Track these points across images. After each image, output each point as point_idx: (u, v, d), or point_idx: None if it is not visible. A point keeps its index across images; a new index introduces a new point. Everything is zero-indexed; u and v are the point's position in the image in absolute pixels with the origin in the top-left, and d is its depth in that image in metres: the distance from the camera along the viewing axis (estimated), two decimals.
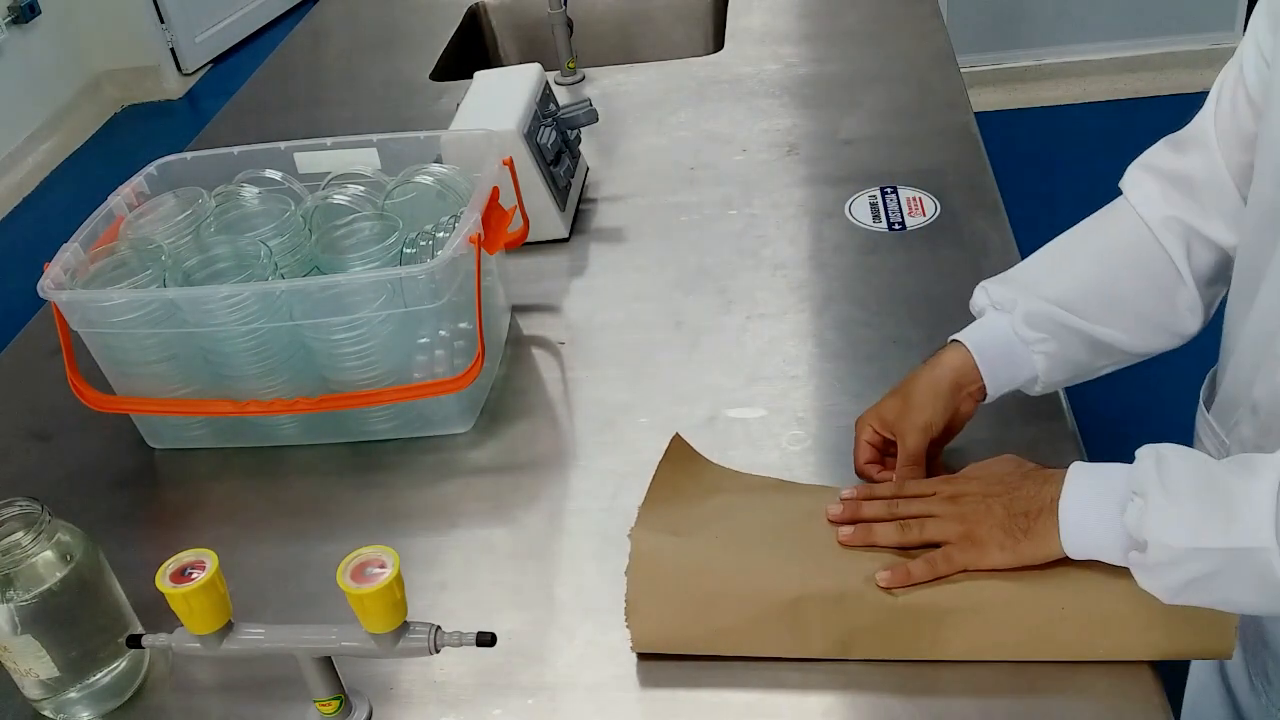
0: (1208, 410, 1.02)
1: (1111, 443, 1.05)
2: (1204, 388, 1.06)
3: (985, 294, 1.01)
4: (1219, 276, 0.98)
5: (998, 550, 0.84)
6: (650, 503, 0.98)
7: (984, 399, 0.99)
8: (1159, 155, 1.01)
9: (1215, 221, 0.95)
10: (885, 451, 1.02)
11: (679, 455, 1.04)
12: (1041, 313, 0.97)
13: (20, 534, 0.89)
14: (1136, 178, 1.01)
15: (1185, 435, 1.03)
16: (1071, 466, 0.84)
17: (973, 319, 1.02)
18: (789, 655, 0.88)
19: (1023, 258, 1.28)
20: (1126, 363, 1.01)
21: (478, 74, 1.56)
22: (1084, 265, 1.01)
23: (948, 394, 0.98)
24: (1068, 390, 1.09)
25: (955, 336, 1.00)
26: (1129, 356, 1.00)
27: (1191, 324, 0.99)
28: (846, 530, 0.90)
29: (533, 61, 1.56)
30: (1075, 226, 1.04)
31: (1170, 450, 0.80)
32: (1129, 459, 0.82)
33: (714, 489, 1.00)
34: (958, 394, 0.98)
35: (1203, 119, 0.96)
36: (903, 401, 0.99)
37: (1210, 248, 0.96)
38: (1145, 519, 0.76)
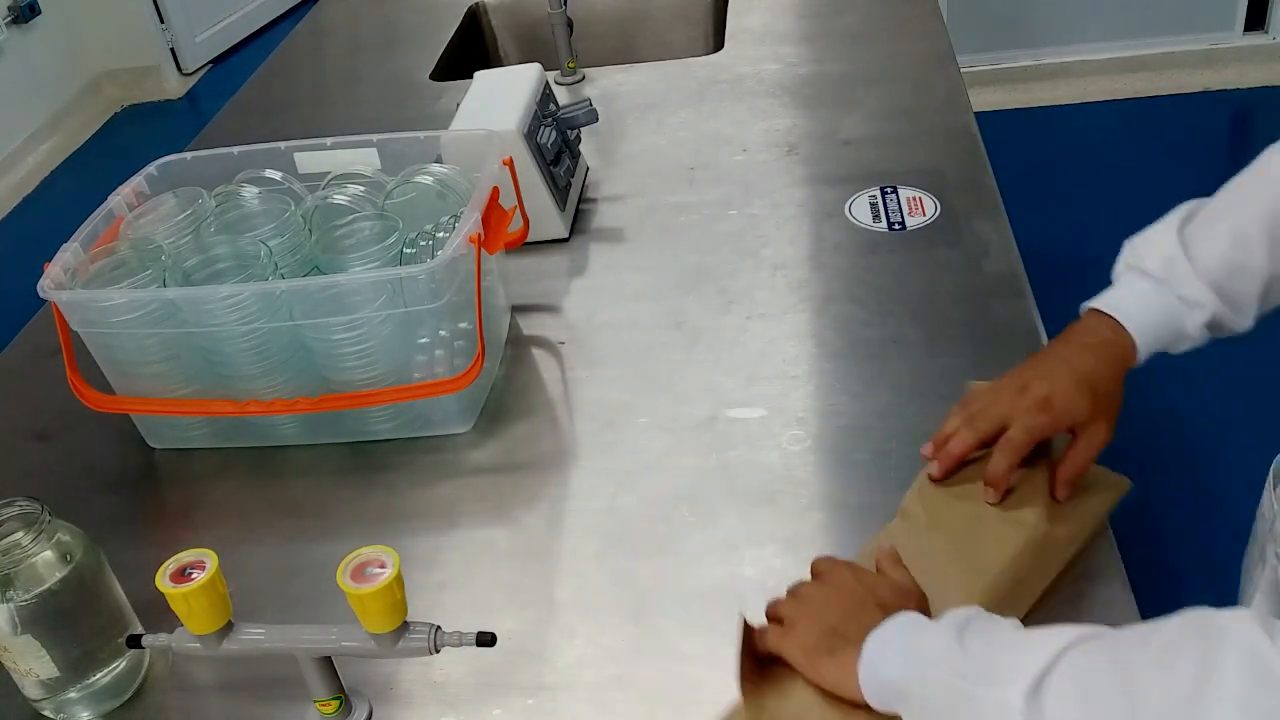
0: None
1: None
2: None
3: (1135, 254, 0.98)
4: None
5: (795, 646, 0.83)
6: None
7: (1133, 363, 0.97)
8: None
9: None
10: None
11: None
12: (1206, 285, 0.94)
13: (20, 534, 0.89)
14: None
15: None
16: (902, 614, 0.81)
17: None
18: None
19: (1023, 258, 1.29)
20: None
21: (478, 74, 1.56)
22: (1239, 220, 0.96)
23: (1119, 382, 0.95)
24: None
25: (1109, 311, 0.96)
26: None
27: None
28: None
29: (533, 61, 1.56)
30: (1246, 175, 1.00)
31: (959, 629, 0.76)
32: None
33: None
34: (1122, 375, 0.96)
35: None
36: (1091, 404, 0.93)
37: None
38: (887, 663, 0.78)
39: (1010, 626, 0.76)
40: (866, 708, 0.79)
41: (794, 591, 0.88)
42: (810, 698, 0.82)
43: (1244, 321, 0.97)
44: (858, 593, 0.85)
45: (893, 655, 0.78)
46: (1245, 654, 0.60)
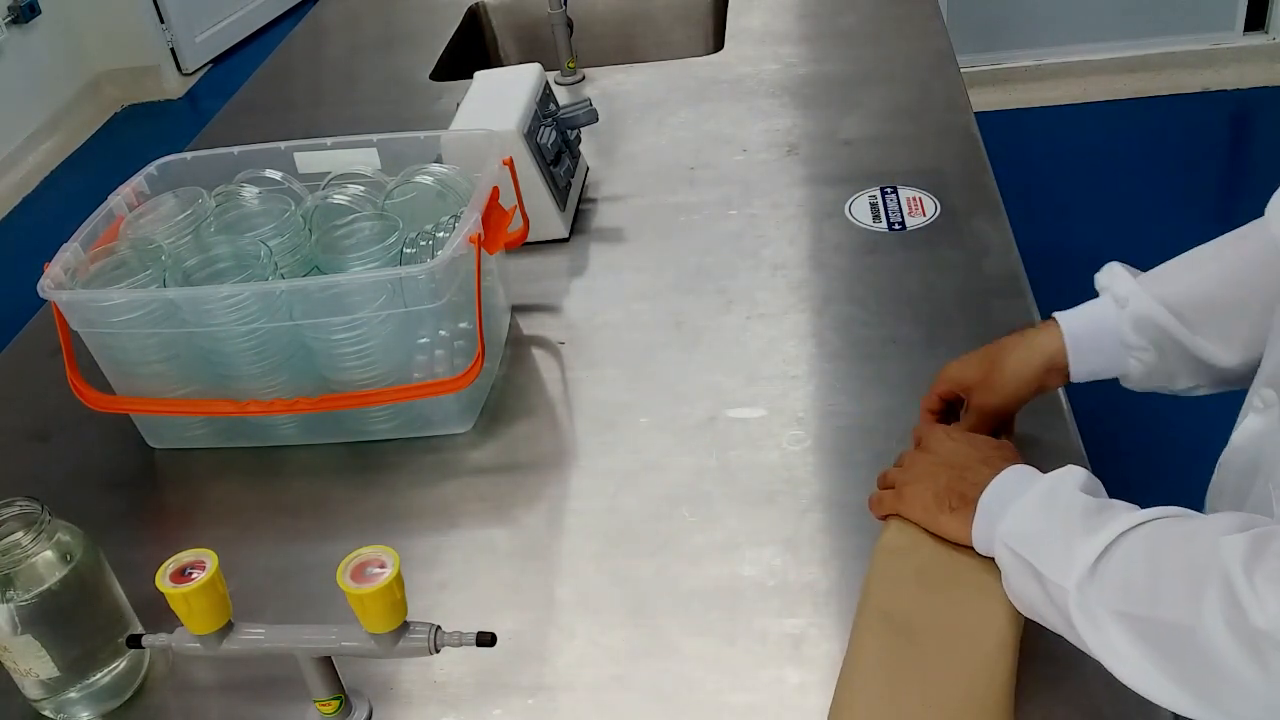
0: None
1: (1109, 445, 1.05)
2: None
3: (1110, 276, 1.00)
4: None
5: (919, 509, 0.91)
6: None
7: (1068, 381, 1.01)
8: None
9: None
10: (952, 402, 1.05)
11: None
12: (1149, 318, 0.95)
13: (20, 534, 0.89)
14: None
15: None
16: (1014, 468, 0.88)
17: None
18: None
19: (1023, 258, 1.29)
20: (1214, 390, 0.99)
21: (478, 74, 1.56)
22: (1212, 268, 0.98)
23: (1033, 378, 1.00)
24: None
25: (1057, 316, 1.00)
26: (1220, 382, 0.98)
27: None
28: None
29: (533, 61, 1.56)
30: (1220, 241, 1.00)
31: (1073, 477, 0.83)
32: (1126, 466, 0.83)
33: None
34: (1044, 375, 1.00)
35: None
36: (987, 372, 1.01)
37: None
38: (1004, 520, 0.84)
39: (1087, 502, 0.81)
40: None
41: (902, 461, 0.97)
42: (936, 548, 0.90)
43: (1228, 358, 0.95)
44: (962, 452, 0.92)
45: (997, 514, 0.84)
46: (1223, 581, 0.67)
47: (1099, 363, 0.99)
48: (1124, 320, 0.97)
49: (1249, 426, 0.89)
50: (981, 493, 0.86)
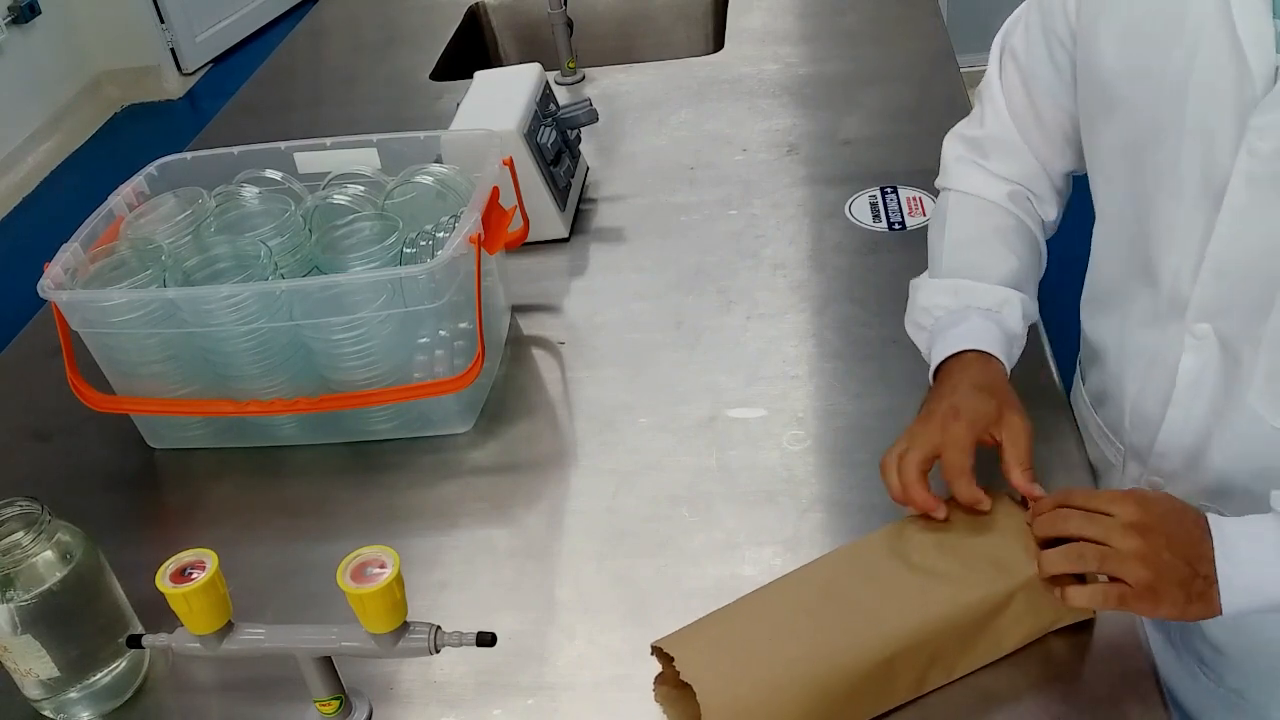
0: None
1: None
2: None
3: (954, 297, 1.03)
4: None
5: (1170, 606, 0.81)
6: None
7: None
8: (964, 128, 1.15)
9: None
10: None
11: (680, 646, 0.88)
12: (1029, 310, 1.03)
13: (20, 534, 0.89)
14: (951, 168, 1.14)
15: None
16: (1218, 525, 0.82)
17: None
18: (874, 716, 0.85)
19: None
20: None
21: (478, 74, 1.56)
22: (1002, 251, 1.06)
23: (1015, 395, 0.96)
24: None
25: (978, 348, 0.98)
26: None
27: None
28: (1052, 558, 0.84)
29: (533, 61, 1.56)
30: (948, 221, 1.11)
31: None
32: None
33: (730, 620, 0.89)
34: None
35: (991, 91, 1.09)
36: (995, 406, 0.93)
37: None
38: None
39: None
40: None
41: (1105, 554, 0.81)
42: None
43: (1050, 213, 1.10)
44: (1168, 518, 0.82)
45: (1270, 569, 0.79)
46: None
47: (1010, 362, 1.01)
48: (1014, 321, 1.01)
49: (1189, 366, 0.90)
50: (1214, 568, 0.80)
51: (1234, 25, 0.77)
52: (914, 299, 1.07)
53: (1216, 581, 0.79)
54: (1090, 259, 1.06)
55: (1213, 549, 0.80)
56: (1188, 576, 0.80)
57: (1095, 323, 1.07)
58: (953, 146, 1.14)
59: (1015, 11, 1.06)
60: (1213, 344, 0.88)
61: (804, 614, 0.87)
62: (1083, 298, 1.09)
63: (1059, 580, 0.84)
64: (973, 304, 1.01)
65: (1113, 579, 0.81)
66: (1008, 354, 0.99)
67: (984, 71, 1.11)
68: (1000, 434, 0.92)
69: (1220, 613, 0.80)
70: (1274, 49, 0.77)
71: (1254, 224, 0.82)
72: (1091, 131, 0.97)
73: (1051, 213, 1.10)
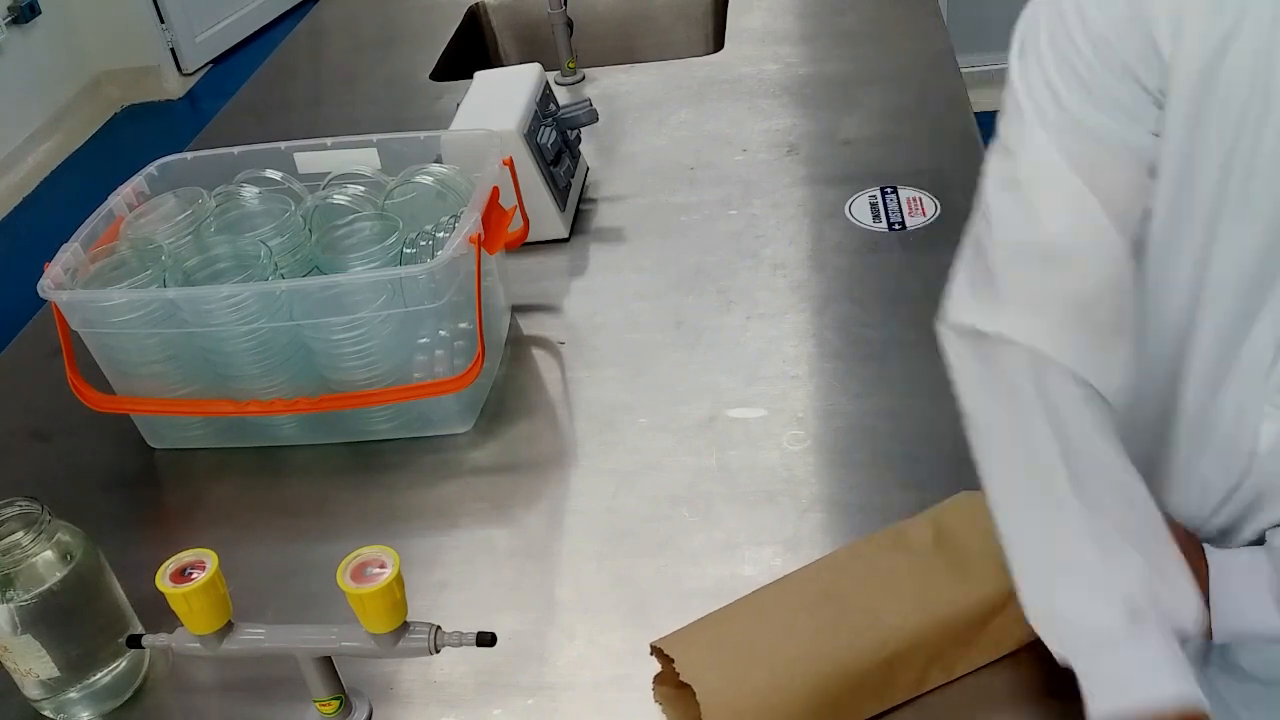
0: None
1: None
2: None
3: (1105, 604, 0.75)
4: None
5: None
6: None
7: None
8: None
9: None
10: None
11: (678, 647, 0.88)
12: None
13: (20, 534, 0.89)
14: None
15: None
16: (1210, 556, 0.80)
17: None
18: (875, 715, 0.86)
19: None
20: None
21: (478, 74, 1.56)
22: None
23: None
24: None
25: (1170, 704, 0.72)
26: None
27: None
28: None
29: (533, 61, 1.56)
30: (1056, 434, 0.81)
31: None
32: None
33: (729, 620, 0.89)
34: None
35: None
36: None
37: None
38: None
39: None
40: None
41: None
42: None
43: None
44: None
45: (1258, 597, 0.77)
46: None
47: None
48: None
49: (1271, 433, 0.81)
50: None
51: None
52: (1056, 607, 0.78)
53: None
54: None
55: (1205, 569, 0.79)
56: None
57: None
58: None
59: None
60: None
61: (804, 614, 0.87)
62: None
63: None
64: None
65: None
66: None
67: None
68: None
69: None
70: None
71: None
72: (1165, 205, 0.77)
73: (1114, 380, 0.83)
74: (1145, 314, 0.83)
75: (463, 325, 1.17)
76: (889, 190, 1.46)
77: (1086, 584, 0.74)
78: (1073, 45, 0.76)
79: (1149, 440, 0.89)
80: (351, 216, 1.22)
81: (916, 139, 1.57)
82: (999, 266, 0.83)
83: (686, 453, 1.12)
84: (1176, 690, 0.69)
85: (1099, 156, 0.77)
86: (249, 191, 1.28)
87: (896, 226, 1.40)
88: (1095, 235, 0.78)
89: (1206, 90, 0.71)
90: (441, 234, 1.18)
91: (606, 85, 1.85)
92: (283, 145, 1.33)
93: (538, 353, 1.31)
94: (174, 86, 4.63)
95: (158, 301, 1.12)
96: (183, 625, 0.85)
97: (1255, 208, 0.73)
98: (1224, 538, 0.91)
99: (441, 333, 1.15)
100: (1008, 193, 0.81)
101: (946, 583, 0.87)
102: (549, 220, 1.45)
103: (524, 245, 1.34)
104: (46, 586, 0.89)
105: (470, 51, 2.17)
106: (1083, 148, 0.77)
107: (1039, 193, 0.79)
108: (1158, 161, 0.76)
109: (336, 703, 0.89)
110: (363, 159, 1.32)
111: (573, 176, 1.52)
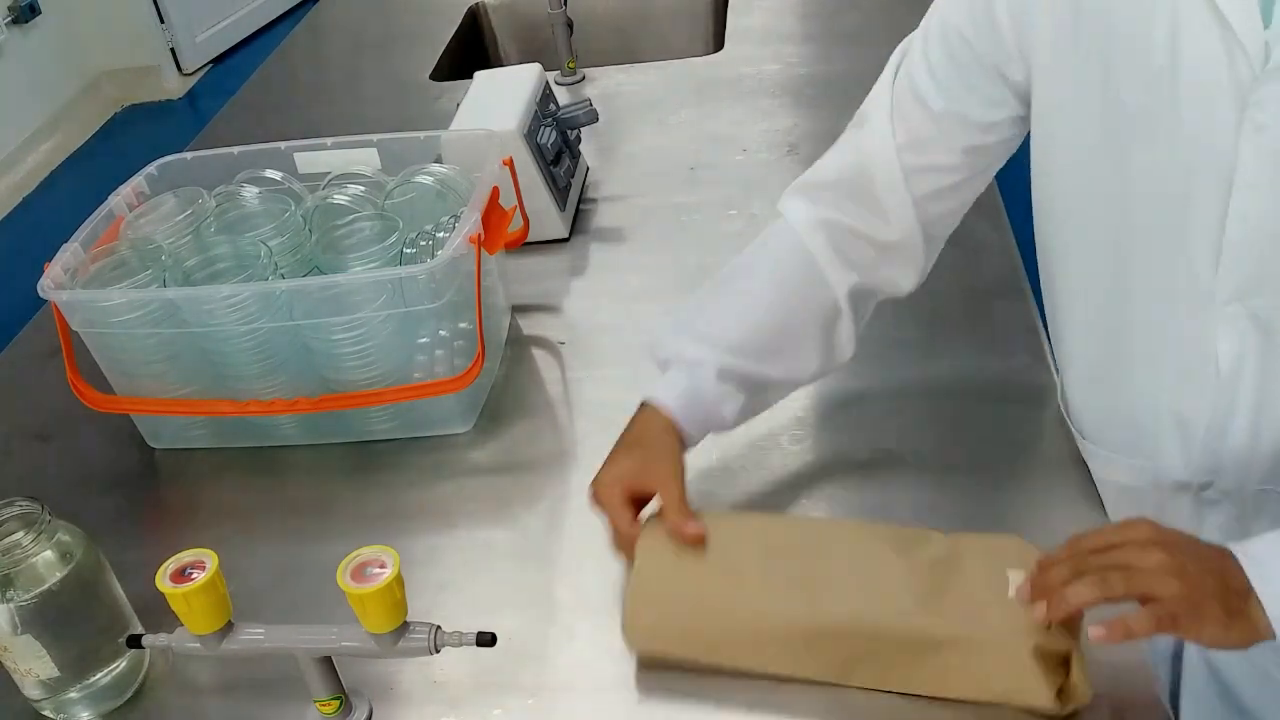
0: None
1: None
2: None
3: (672, 347, 1.02)
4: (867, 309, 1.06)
5: (1214, 624, 0.75)
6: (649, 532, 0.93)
7: (686, 448, 0.99)
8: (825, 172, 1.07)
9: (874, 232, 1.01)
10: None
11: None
12: (729, 368, 0.99)
13: (20, 534, 0.89)
14: (797, 202, 1.05)
15: None
16: (1243, 548, 0.78)
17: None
18: (783, 675, 0.87)
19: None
20: (793, 390, 1.07)
21: (478, 74, 1.56)
22: (761, 307, 1.02)
23: (675, 444, 0.97)
24: None
25: (648, 399, 1.00)
26: (796, 386, 1.07)
27: (847, 352, 1.05)
28: (1040, 609, 0.79)
29: (533, 61, 1.56)
30: (745, 257, 1.05)
31: None
32: None
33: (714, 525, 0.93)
34: (678, 443, 0.98)
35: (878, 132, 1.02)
36: (639, 458, 0.97)
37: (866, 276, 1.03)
38: None
39: None
40: None
41: (1130, 574, 0.76)
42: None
43: (806, 369, 1.04)
44: (1183, 544, 0.78)
45: None
46: None
47: (704, 422, 1.00)
48: (708, 379, 0.99)
49: (1228, 350, 0.87)
50: (1246, 581, 0.75)
51: (1217, 5, 0.77)
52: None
53: (1254, 597, 0.75)
54: (1054, 295, 1.00)
55: (1241, 569, 0.76)
56: (1221, 590, 0.75)
57: (1086, 349, 1.00)
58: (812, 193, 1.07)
59: (900, 46, 1.02)
60: (1247, 324, 0.85)
61: (761, 558, 0.89)
62: (1060, 354, 1.03)
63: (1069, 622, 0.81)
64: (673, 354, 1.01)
65: (1143, 602, 0.76)
66: (683, 408, 0.98)
67: None
68: (658, 490, 0.94)
69: (1273, 636, 0.74)
70: (1261, 24, 0.76)
71: (1267, 201, 0.80)
72: (1047, 154, 0.92)
73: (910, 282, 1.05)
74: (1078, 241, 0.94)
75: (463, 325, 1.17)
76: None
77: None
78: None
79: (1130, 393, 0.95)
80: (351, 216, 1.22)
81: None
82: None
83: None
84: None
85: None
86: (249, 191, 1.28)
87: None
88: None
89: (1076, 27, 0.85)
90: (441, 234, 1.18)
91: (606, 85, 1.86)
92: (283, 145, 1.33)
93: (538, 353, 1.30)
94: (174, 86, 4.63)
95: (158, 301, 1.12)
96: (183, 625, 0.85)
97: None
98: (1231, 497, 0.94)
99: (441, 333, 1.15)
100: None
101: (913, 598, 0.85)
102: (549, 220, 1.45)
103: (524, 245, 1.34)
104: (46, 586, 0.89)
105: (470, 51, 2.17)
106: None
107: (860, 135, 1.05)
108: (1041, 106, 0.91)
109: (336, 703, 0.89)
110: (363, 159, 1.32)
111: (573, 176, 1.52)
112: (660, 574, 0.90)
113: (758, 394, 1.03)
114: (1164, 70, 0.81)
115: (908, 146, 0.98)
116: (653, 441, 0.97)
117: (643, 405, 1.00)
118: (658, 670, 0.91)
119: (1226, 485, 0.93)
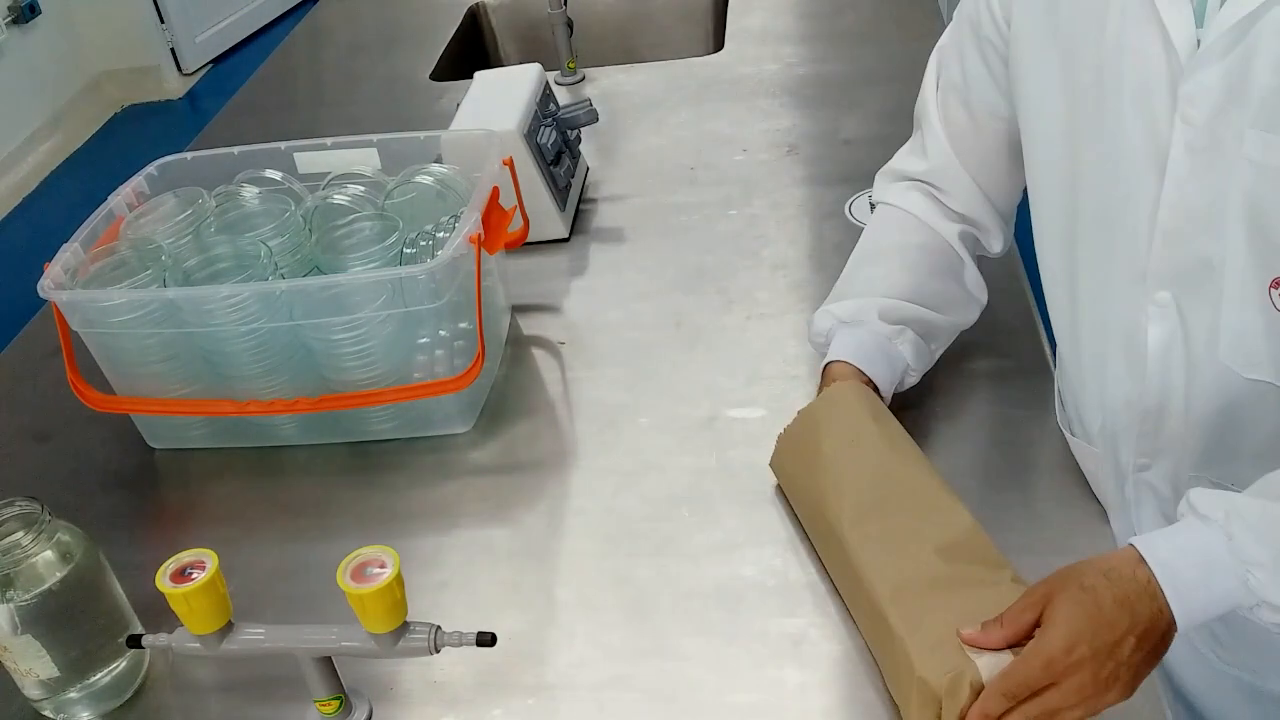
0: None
1: None
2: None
3: (830, 317, 1.08)
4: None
5: (1114, 697, 0.78)
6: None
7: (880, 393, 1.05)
8: (902, 162, 1.17)
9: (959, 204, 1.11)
10: None
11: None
12: (888, 309, 1.06)
13: (20, 534, 0.89)
14: (888, 187, 1.17)
15: None
16: (1151, 548, 0.79)
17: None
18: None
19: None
20: (950, 341, 1.13)
21: (478, 74, 1.56)
22: (895, 265, 1.10)
23: (863, 385, 1.03)
24: None
25: (830, 359, 1.05)
26: (954, 330, 1.13)
27: (981, 296, 1.13)
28: None
29: (533, 61, 1.56)
30: (863, 240, 1.16)
31: (1239, 504, 0.79)
32: None
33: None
34: (866, 384, 1.04)
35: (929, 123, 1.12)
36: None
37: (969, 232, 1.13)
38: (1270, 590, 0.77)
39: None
40: None
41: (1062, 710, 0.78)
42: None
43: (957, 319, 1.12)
44: (1098, 645, 0.77)
45: (1215, 582, 0.77)
46: None
47: (889, 369, 1.05)
48: (873, 323, 1.05)
49: (1157, 335, 0.91)
50: (1158, 608, 0.77)
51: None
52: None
53: (1168, 613, 0.77)
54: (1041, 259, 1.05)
55: (1154, 584, 0.78)
56: (1126, 675, 0.78)
57: (1060, 341, 1.04)
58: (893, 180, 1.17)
59: (944, 34, 1.11)
60: (1174, 310, 0.89)
61: (865, 469, 0.95)
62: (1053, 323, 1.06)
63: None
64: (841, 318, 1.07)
65: None
66: (865, 359, 1.04)
67: None
68: None
69: (1175, 631, 0.78)
70: (1193, 22, 0.81)
71: (1195, 190, 0.84)
72: (1028, 131, 0.99)
73: (997, 245, 1.14)
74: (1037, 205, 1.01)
75: (463, 325, 1.17)
76: None
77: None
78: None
79: (1089, 380, 1.00)
80: (351, 216, 1.22)
81: None
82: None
83: (686, 453, 1.12)
84: None
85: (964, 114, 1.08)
86: (249, 191, 1.28)
87: None
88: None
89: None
90: (441, 234, 1.18)
91: (606, 85, 1.86)
92: (283, 145, 1.33)
93: (538, 353, 1.31)
94: (174, 86, 4.63)
95: (158, 301, 1.12)
96: (183, 625, 0.85)
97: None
98: (1170, 483, 0.97)
99: (441, 333, 1.15)
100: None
101: (907, 583, 0.86)
102: (549, 220, 1.45)
103: (524, 245, 1.34)
104: (46, 586, 0.89)
105: (470, 51, 2.17)
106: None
107: (923, 133, 1.13)
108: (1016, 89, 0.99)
109: (336, 703, 0.89)
110: (363, 159, 1.32)
111: (573, 176, 1.52)
112: (801, 436, 1.01)
113: (925, 333, 1.08)
114: (1110, 62, 0.86)
115: (956, 137, 1.09)
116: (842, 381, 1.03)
117: (825, 370, 1.06)
118: (658, 670, 0.91)
119: (1164, 471, 0.97)
